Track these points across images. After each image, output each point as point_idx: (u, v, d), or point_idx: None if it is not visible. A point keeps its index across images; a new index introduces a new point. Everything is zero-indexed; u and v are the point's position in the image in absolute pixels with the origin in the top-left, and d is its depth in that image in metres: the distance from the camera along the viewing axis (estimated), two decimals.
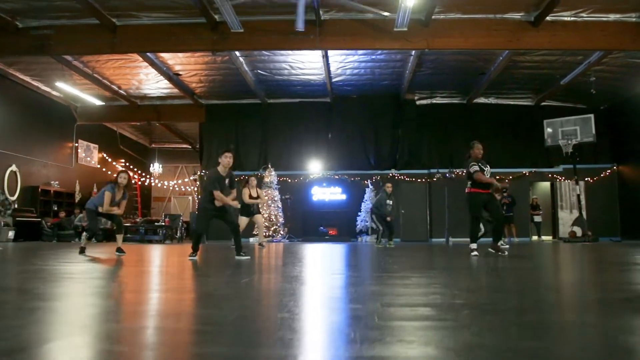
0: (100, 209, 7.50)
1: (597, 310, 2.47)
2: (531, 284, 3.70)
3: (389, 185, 11.60)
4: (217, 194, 6.37)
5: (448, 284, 3.53)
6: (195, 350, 1.64)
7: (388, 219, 11.32)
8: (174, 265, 5.82)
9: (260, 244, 10.51)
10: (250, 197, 10.11)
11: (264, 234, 14.21)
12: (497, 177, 15.82)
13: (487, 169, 7.34)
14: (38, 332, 1.83)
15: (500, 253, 7.20)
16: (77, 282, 3.75)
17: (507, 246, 10.70)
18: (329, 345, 1.70)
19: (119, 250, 7.45)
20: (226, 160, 6.57)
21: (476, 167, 7.13)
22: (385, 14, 9.26)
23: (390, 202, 11.38)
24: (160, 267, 5.50)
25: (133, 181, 21.65)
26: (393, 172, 16.57)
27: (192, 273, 4.68)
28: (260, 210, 10.97)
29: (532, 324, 2.02)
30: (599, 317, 2.26)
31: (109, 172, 20.09)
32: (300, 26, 9.09)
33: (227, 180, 6.58)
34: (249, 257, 6.47)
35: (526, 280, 3.96)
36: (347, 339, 1.74)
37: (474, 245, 7.18)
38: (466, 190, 7.32)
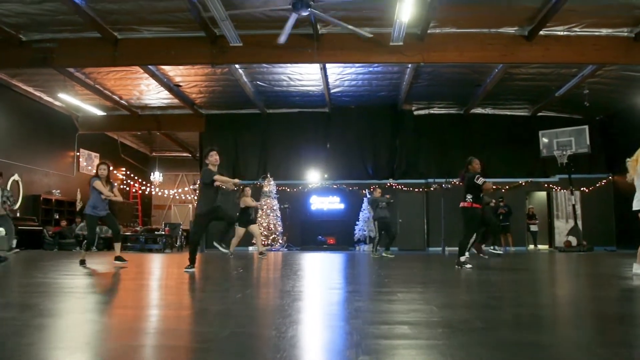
0: (96, 210, 7.55)
1: (573, 328, 2.64)
2: (514, 300, 3.86)
3: (379, 190, 11.87)
4: (217, 177, 6.46)
5: (430, 300, 3.70)
6: None
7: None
8: (171, 277, 5.99)
9: (260, 253, 10.69)
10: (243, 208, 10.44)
11: (263, 242, 14.45)
12: (494, 186, 16.12)
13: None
14: (46, 350, 2.00)
15: (481, 255, 7.43)
16: (78, 298, 3.93)
17: (501, 252, 10.93)
18: None
19: (118, 258, 7.59)
20: (213, 158, 6.63)
21: (483, 179, 7.28)
22: (369, 35, 9.46)
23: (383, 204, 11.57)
24: (158, 281, 5.67)
25: (134, 190, 21.92)
26: (391, 181, 16.76)
27: (189, 287, 4.84)
28: (256, 220, 11.19)
29: (503, 343, 2.19)
30: (574, 335, 2.43)
31: (110, 181, 20.24)
32: (282, 40, 9.31)
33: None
34: (228, 253, 6.61)
35: (510, 295, 4.13)
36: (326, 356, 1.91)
37: (465, 258, 7.33)
38: (466, 205, 7.42)
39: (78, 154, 18.37)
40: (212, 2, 8.97)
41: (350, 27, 9.00)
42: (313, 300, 3.78)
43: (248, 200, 10.47)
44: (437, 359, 1.90)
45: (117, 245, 7.93)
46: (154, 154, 24.45)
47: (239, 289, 4.48)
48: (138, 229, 17.40)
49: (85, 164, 18.78)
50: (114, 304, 3.61)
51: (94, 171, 8.02)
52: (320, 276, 6.10)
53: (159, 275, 6.39)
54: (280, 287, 4.53)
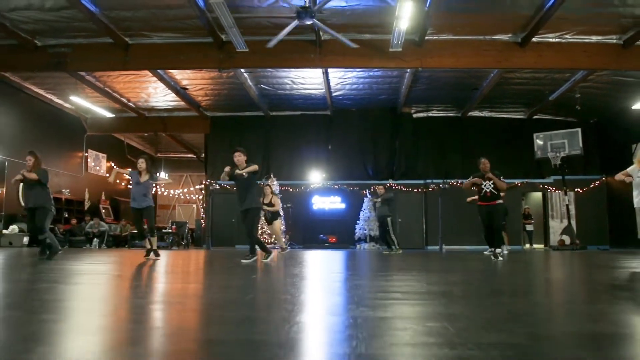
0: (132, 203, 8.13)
1: (541, 295, 3.14)
2: (495, 279, 4.37)
3: (381, 187, 12.51)
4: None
5: (422, 280, 4.20)
6: None
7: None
8: (230, 267, 6.48)
9: (281, 249, 11.59)
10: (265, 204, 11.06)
11: (266, 240, 14.99)
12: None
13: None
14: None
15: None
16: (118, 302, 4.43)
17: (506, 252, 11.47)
18: None
19: (154, 252, 8.14)
20: (235, 159, 7.55)
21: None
22: (355, 46, 9.99)
23: (377, 200, 12.16)
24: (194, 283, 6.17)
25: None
26: (390, 182, 17.25)
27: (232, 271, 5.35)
28: (277, 217, 11.89)
29: (475, 304, 2.69)
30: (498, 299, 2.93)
31: (117, 181, 20.82)
32: (271, 44, 9.81)
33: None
34: (249, 262, 7.20)
35: (492, 277, 4.63)
36: (332, 310, 2.41)
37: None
38: (500, 201, 8.55)
39: (86, 154, 18.90)
40: (220, 10, 9.48)
41: (338, 36, 9.48)
42: (318, 280, 4.28)
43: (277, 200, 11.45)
44: (421, 310, 2.40)
45: (153, 240, 8.36)
46: (159, 154, 24.97)
47: (253, 274, 4.99)
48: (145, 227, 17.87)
49: (93, 164, 19.31)
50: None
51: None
52: (323, 265, 6.60)
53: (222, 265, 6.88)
54: (289, 272, 5.03)
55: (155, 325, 2.16)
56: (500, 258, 8.34)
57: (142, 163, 8.47)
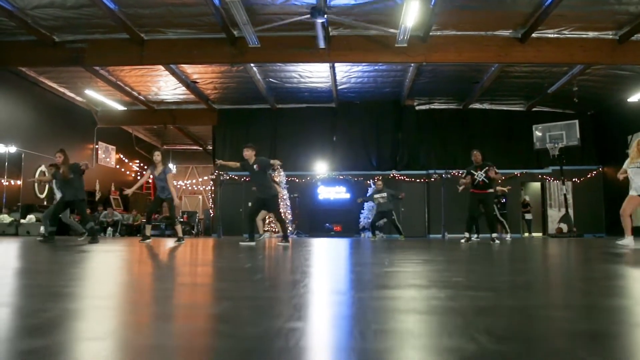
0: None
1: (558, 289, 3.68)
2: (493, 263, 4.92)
3: (379, 182, 13.06)
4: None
5: (418, 253, 4.74)
6: None
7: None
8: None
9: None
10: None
11: (272, 229, 15.54)
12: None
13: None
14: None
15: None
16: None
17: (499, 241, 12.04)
18: None
19: (178, 239, 8.70)
20: (244, 154, 8.29)
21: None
22: (390, 30, 10.48)
23: (381, 196, 12.68)
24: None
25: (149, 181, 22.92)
26: (394, 172, 17.78)
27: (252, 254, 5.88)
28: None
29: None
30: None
31: (127, 172, 21.40)
32: (321, 44, 10.32)
33: (255, 166, 8.00)
34: (288, 244, 7.79)
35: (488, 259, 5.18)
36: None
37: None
38: (491, 190, 9.39)
39: (97, 146, 19.38)
40: (236, 8, 9.96)
41: (365, 24, 9.99)
42: (324, 258, 4.83)
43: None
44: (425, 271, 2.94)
45: (178, 228, 9.04)
46: (165, 146, 25.42)
47: (263, 256, 5.53)
48: (156, 217, 18.41)
49: (103, 156, 19.80)
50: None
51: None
52: (329, 248, 7.15)
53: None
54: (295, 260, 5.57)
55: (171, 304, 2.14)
56: (497, 242, 8.97)
57: (157, 156, 8.94)
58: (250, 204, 8.56)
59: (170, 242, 8.88)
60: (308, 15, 9.96)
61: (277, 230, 16.08)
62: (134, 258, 4.95)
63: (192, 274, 3.31)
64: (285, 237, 8.15)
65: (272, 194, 8.29)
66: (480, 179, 9.38)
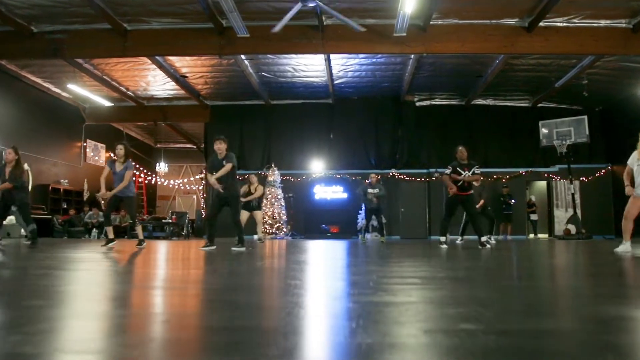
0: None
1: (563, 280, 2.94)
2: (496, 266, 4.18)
3: (373, 175, 12.26)
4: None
5: (424, 254, 4.00)
6: None
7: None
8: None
9: (259, 239, 11.27)
10: (248, 193, 10.93)
11: (266, 230, 14.83)
12: (495, 176, 16.39)
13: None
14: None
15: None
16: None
17: (494, 242, 11.15)
18: None
19: (140, 241, 7.94)
20: (215, 146, 7.61)
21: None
22: (361, 29, 9.79)
23: (374, 191, 11.85)
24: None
25: (139, 180, 22.24)
26: (393, 171, 17.05)
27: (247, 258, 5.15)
28: (261, 206, 11.67)
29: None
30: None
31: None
32: (276, 29, 9.64)
33: (224, 162, 7.31)
34: (243, 249, 7.11)
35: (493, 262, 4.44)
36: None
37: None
38: (472, 192, 8.48)
39: (85, 144, 18.67)
40: None
41: (345, 19, 9.26)
42: (324, 259, 4.10)
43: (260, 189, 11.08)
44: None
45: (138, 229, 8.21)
46: (158, 145, 24.75)
47: (260, 260, 4.80)
48: (145, 217, 17.72)
49: (92, 154, 19.09)
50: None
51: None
52: (326, 251, 6.42)
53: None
54: (295, 258, 4.84)
55: (154, 311, 1.96)
56: (487, 246, 8.14)
57: (120, 150, 8.15)
58: (210, 204, 7.82)
59: (134, 246, 8.05)
60: (299, 4, 9.19)
61: (270, 232, 15.37)
62: (66, 268, 4.22)
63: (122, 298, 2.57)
64: (241, 242, 7.43)
65: (235, 194, 7.59)
66: (467, 179, 8.37)
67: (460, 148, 8.45)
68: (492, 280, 3.28)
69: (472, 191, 8.53)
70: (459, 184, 8.25)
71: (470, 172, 8.26)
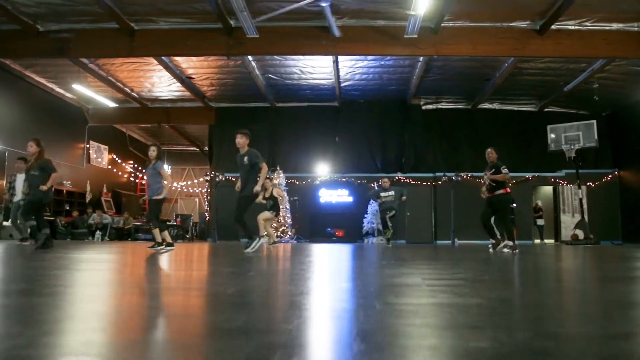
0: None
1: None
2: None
3: (386, 180, 12.07)
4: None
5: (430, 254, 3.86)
6: None
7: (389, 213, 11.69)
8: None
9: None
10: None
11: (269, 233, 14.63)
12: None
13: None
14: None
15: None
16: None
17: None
18: None
19: (157, 244, 7.70)
20: (236, 140, 7.49)
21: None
22: (337, 34, 9.76)
23: (387, 195, 11.68)
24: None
25: (142, 182, 22.09)
26: (399, 175, 16.92)
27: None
28: (276, 209, 11.40)
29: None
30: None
31: (120, 173, 20.53)
32: (336, 33, 9.55)
33: (245, 158, 7.09)
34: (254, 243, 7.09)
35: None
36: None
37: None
38: (501, 191, 8.31)
39: (88, 145, 18.51)
40: None
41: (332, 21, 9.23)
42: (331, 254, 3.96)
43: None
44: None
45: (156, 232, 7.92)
46: (161, 147, 24.55)
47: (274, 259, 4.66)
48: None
49: (95, 155, 18.92)
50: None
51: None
52: (330, 252, 6.29)
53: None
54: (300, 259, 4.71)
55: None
56: (491, 251, 8.04)
57: (152, 152, 8.04)
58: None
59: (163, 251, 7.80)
60: (311, 1, 9.08)
61: (277, 235, 15.19)
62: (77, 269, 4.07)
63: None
64: (250, 239, 7.27)
65: (245, 194, 7.34)
66: (487, 182, 8.50)
67: (488, 150, 8.55)
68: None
69: (497, 192, 8.41)
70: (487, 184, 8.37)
71: (490, 173, 8.30)
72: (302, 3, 8.88)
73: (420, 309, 1.99)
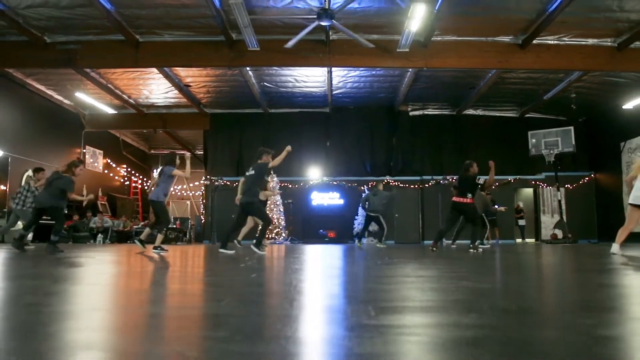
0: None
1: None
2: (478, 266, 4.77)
3: (380, 183, 12.86)
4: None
5: (413, 252, 4.57)
6: None
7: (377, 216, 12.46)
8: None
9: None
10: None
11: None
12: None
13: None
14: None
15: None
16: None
17: (488, 246, 11.81)
18: None
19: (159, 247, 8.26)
20: (263, 159, 8.43)
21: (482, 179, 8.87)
22: (370, 45, 10.40)
23: (378, 197, 12.42)
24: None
25: (134, 186, 22.50)
26: (388, 178, 17.66)
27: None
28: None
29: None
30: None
31: (115, 177, 20.93)
32: (291, 44, 10.16)
33: (250, 169, 7.83)
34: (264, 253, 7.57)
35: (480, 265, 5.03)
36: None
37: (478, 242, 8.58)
38: (468, 201, 8.60)
39: (84, 150, 18.90)
40: (238, 10, 9.72)
41: (362, 39, 9.83)
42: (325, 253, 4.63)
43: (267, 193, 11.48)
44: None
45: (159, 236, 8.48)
46: (152, 151, 24.99)
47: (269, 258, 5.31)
48: (143, 223, 18.02)
49: (91, 160, 19.31)
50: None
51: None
52: (323, 250, 6.96)
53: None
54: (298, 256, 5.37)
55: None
56: (473, 251, 8.64)
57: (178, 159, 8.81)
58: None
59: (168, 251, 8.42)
60: (314, 17, 9.74)
61: (269, 237, 15.82)
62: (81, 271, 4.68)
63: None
64: (258, 243, 7.84)
65: (249, 200, 7.99)
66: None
67: (474, 163, 9.04)
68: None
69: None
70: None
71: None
72: (307, 30, 9.50)
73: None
